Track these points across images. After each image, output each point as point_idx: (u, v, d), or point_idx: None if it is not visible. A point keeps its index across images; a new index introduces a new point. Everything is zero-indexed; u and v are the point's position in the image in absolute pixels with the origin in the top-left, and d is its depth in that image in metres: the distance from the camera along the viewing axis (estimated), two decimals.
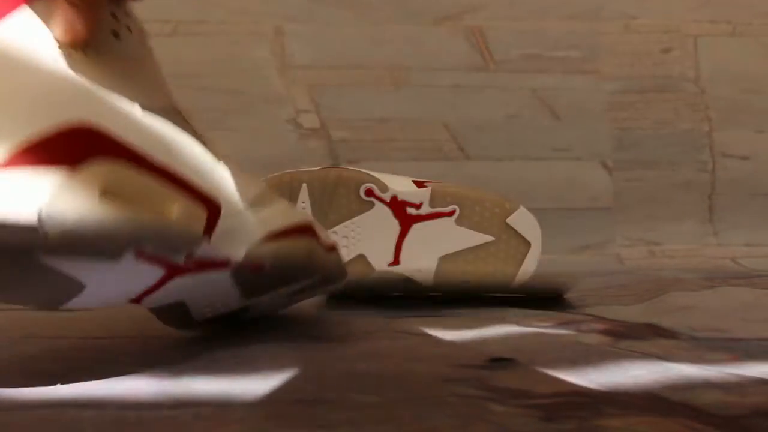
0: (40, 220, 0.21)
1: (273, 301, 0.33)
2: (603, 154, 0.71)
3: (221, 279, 0.28)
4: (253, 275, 0.28)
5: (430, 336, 0.33)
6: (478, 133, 0.70)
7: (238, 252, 0.27)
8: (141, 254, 0.24)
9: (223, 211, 0.26)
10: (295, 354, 0.30)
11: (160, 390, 0.24)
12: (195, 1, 0.69)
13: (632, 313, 0.40)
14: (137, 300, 0.28)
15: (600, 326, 0.36)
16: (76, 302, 0.25)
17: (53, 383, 0.25)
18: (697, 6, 0.73)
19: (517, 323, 0.36)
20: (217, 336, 0.33)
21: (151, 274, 0.26)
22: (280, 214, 0.29)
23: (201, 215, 0.25)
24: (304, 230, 0.30)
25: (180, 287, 0.28)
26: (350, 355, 0.29)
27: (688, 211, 0.69)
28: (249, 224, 0.28)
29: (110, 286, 0.25)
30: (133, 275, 0.25)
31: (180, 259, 0.25)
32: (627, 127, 0.72)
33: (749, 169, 0.71)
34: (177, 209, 0.24)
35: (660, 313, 0.38)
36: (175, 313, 0.30)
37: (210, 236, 0.26)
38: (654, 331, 0.34)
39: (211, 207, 0.26)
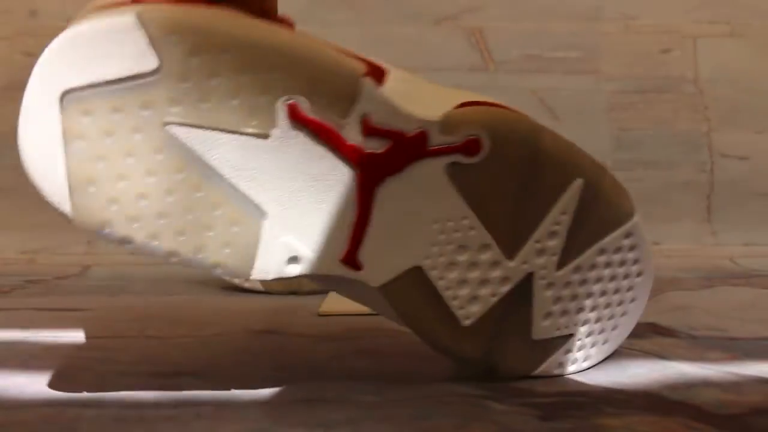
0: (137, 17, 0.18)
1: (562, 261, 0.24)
2: (603, 154, 0.71)
3: (439, 185, 0.22)
4: (474, 170, 0.22)
5: None
6: None
7: (432, 112, 0.22)
8: (295, 112, 0.20)
9: (391, 74, 0.22)
10: (294, 353, 0.30)
11: (161, 389, 0.24)
12: None
13: None
14: (352, 253, 0.21)
15: None
16: (272, 246, 0.20)
17: (54, 382, 0.25)
18: (696, 7, 0.73)
19: None
20: (217, 336, 0.33)
21: (339, 171, 0.20)
22: (469, 93, 0.24)
23: (356, 64, 0.21)
24: (514, 111, 0.23)
25: (392, 212, 0.21)
26: (350, 354, 0.29)
27: (686, 211, 0.69)
28: (434, 91, 0.23)
29: (295, 203, 0.20)
30: (314, 173, 0.20)
31: (354, 125, 0.20)
32: (626, 128, 0.72)
33: (748, 170, 0.71)
34: (320, 48, 0.20)
35: (659, 313, 0.39)
36: (420, 298, 0.23)
37: (379, 85, 0.21)
38: (653, 330, 0.34)
39: (371, 65, 0.22)
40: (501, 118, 0.23)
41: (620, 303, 0.26)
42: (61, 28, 0.19)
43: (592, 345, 0.26)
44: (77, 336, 0.33)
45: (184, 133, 0.20)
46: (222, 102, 0.20)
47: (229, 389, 0.25)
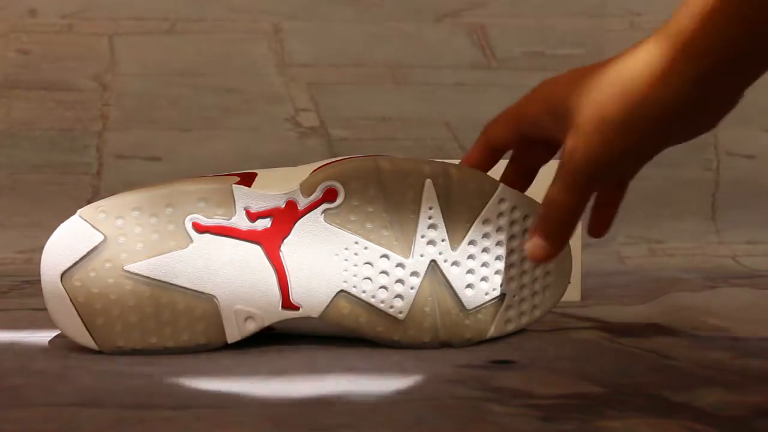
0: None
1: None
2: None
3: (322, 229, 0.29)
4: (344, 209, 0.30)
5: None
6: (479, 132, 0.70)
7: (293, 185, 0.30)
8: (198, 225, 0.29)
9: (260, 174, 0.31)
10: (293, 355, 0.30)
11: (160, 391, 0.24)
12: None
13: (633, 313, 0.39)
14: (287, 299, 0.29)
15: (601, 326, 0.36)
16: (229, 315, 0.30)
17: (51, 383, 0.25)
18: None
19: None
20: None
21: (247, 249, 0.29)
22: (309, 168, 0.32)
23: (229, 179, 0.30)
24: (355, 157, 0.32)
25: (300, 261, 0.29)
26: (350, 356, 0.29)
27: (690, 209, 0.69)
28: (296, 171, 0.31)
29: (230, 281, 0.29)
30: (232, 257, 0.29)
31: (242, 217, 0.29)
32: None
33: (754, 168, 0.70)
34: (201, 179, 0.30)
35: (661, 313, 0.38)
36: (356, 312, 0.30)
37: (249, 186, 0.30)
38: (655, 330, 0.34)
39: (242, 175, 0.31)
40: (343, 167, 0.30)
41: None
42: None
43: (533, 294, 0.32)
44: None
45: (138, 268, 0.29)
46: (154, 239, 0.29)
47: (228, 391, 0.24)
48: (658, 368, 0.27)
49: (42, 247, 0.29)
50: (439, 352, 0.30)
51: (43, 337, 0.32)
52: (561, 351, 0.30)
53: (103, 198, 0.59)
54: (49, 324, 0.35)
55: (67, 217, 0.30)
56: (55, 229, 0.29)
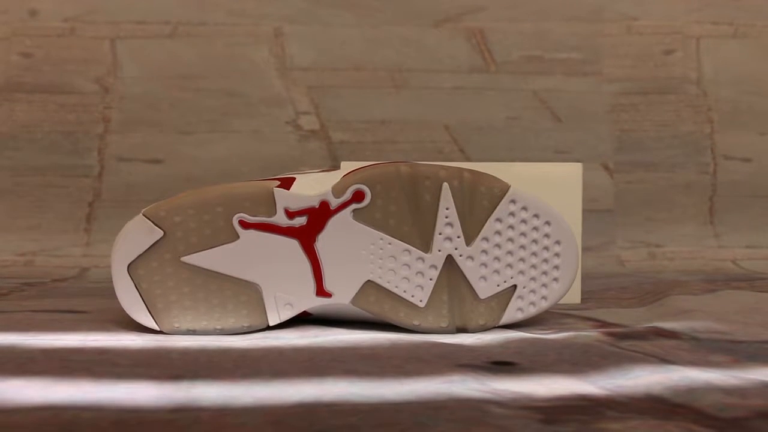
0: None
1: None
2: (604, 156, 0.71)
3: (352, 226, 0.33)
4: (370, 208, 0.33)
5: (430, 338, 0.33)
6: (478, 135, 0.70)
7: (326, 188, 0.33)
8: (244, 223, 0.32)
9: (298, 179, 0.35)
10: (294, 356, 0.30)
11: (160, 393, 0.24)
12: (195, 2, 0.69)
13: (633, 316, 0.39)
14: (320, 288, 0.33)
15: (601, 328, 0.36)
16: (271, 301, 0.33)
17: (51, 385, 0.25)
18: (699, 7, 0.73)
19: (518, 326, 0.36)
20: (217, 339, 0.33)
21: (286, 244, 0.33)
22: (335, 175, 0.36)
23: (270, 183, 0.34)
24: (378, 163, 0.35)
25: (332, 254, 0.33)
26: (350, 357, 0.29)
27: (689, 213, 0.69)
28: (330, 175, 0.35)
29: (271, 271, 0.33)
30: (272, 250, 0.33)
31: (282, 215, 0.32)
32: (628, 129, 0.72)
33: (751, 171, 0.71)
34: (247, 183, 0.33)
35: (661, 316, 0.38)
36: (381, 299, 0.33)
37: (287, 189, 0.33)
38: (656, 333, 0.34)
39: (282, 179, 0.34)
40: (369, 172, 0.33)
41: (546, 248, 0.34)
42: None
43: (542, 286, 0.35)
44: (75, 338, 0.32)
45: (193, 260, 0.33)
46: (207, 233, 0.33)
47: (228, 393, 0.24)
48: (658, 370, 0.27)
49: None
50: (438, 354, 0.30)
51: (43, 339, 0.32)
52: (561, 353, 0.30)
53: (105, 200, 0.59)
54: (49, 326, 0.35)
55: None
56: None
